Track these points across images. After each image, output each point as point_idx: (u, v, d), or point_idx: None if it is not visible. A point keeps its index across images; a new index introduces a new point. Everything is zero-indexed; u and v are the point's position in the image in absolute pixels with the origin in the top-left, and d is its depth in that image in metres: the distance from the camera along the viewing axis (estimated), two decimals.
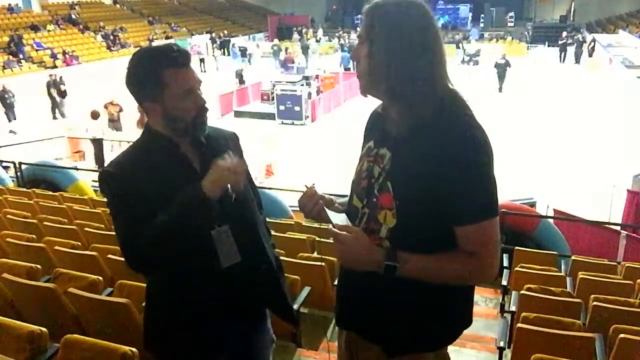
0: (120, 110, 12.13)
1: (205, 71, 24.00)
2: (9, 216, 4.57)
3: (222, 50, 29.11)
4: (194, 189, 1.46)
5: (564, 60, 24.25)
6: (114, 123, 12.06)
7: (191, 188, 1.46)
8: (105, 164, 1.67)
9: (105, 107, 12.37)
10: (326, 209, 1.46)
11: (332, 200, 1.54)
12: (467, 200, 1.26)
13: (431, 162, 1.25)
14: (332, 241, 1.32)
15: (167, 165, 1.57)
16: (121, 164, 1.59)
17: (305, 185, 1.55)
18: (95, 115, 11.38)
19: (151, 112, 1.57)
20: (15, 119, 14.45)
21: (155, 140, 1.59)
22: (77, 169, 8.31)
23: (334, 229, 1.32)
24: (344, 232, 1.30)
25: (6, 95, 14.23)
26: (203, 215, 1.48)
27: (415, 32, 1.28)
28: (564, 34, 25.91)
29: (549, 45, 28.74)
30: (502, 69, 18.08)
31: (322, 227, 4.80)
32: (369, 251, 1.30)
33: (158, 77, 1.50)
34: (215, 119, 14.29)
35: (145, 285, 1.80)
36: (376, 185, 1.38)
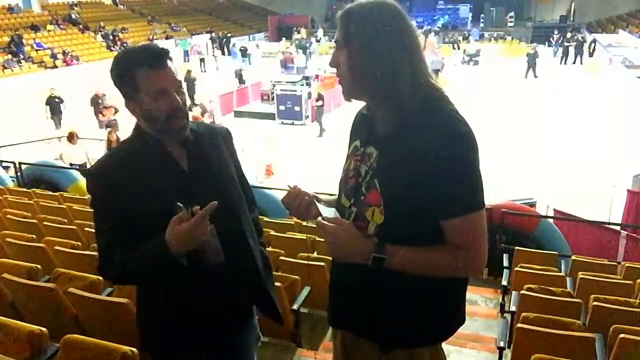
0: (116, 111, 12.14)
1: (205, 71, 23.99)
2: (9, 216, 4.57)
3: (222, 50, 29.12)
4: (161, 247, 1.42)
5: (565, 61, 24.14)
6: (112, 126, 12.06)
7: (159, 245, 1.43)
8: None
9: (102, 112, 12.35)
10: (317, 204, 1.47)
11: (317, 197, 1.55)
12: (453, 193, 1.28)
13: (417, 158, 1.27)
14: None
15: (153, 165, 1.57)
16: (107, 164, 1.60)
17: (288, 185, 1.56)
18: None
19: (133, 112, 1.58)
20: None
21: (143, 139, 1.60)
22: (77, 169, 8.30)
23: (322, 221, 1.34)
24: (333, 224, 1.32)
25: (99, 101, 13.28)
26: (170, 266, 1.47)
27: (392, 32, 1.30)
28: (568, 35, 25.78)
29: (548, 46, 28.65)
30: (532, 58, 20.85)
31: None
32: (357, 243, 1.31)
33: (131, 79, 1.51)
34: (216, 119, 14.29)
35: None
36: (363, 184, 1.39)
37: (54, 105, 13.60)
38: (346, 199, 1.46)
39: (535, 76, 20.82)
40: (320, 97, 13.55)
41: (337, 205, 1.51)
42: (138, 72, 1.49)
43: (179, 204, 1.43)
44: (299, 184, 1.55)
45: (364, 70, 1.32)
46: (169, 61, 1.53)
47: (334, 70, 1.40)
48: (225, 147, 1.74)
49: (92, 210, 1.61)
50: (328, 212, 1.44)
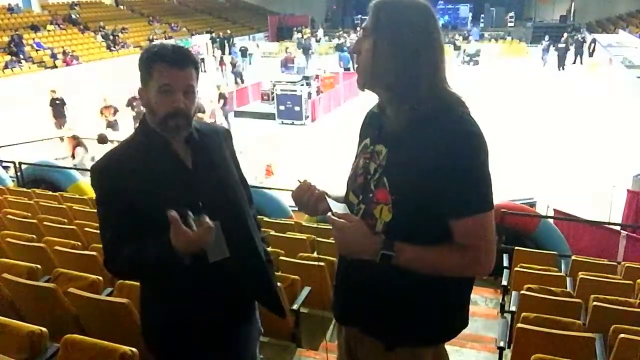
0: (115, 111, 12.13)
1: (205, 71, 23.97)
2: (9, 216, 4.57)
3: (222, 50, 29.11)
4: (167, 247, 1.44)
5: (564, 64, 24.00)
6: (112, 127, 12.07)
7: (164, 244, 1.44)
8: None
9: (101, 111, 12.34)
10: (327, 198, 1.47)
11: (326, 192, 1.55)
12: (463, 194, 1.28)
13: (427, 157, 1.27)
14: (332, 241, 1.33)
15: (158, 162, 1.59)
16: (111, 160, 1.62)
17: (298, 180, 1.55)
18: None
19: (141, 98, 1.63)
20: None
21: (148, 135, 1.62)
22: (77, 169, 8.30)
23: (332, 217, 1.33)
24: (343, 220, 1.32)
25: (134, 103, 12.62)
26: (175, 265, 1.49)
27: (421, 30, 1.30)
28: (565, 35, 25.67)
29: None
30: (562, 51, 22.18)
31: (322, 227, 4.80)
32: (367, 239, 1.31)
33: (148, 68, 1.57)
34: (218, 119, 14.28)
35: None
36: (372, 182, 1.39)
37: (57, 107, 13.27)
38: (354, 195, 1.45)
39: (563, 68, 22.14)
40: (221, 97, 13.57)
41: (344, 202, 1.51)
42: (156, 63, 1.56)
43: (190, 213, 1.45)
44: (308, 178, 1.54)
45: (385, 63, 1.31)
46: (190, 67, 1.58)
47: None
48: (226, 146, 1.76)
49: (97, 205, 1.62)
50: (338, 207, 1.43)
